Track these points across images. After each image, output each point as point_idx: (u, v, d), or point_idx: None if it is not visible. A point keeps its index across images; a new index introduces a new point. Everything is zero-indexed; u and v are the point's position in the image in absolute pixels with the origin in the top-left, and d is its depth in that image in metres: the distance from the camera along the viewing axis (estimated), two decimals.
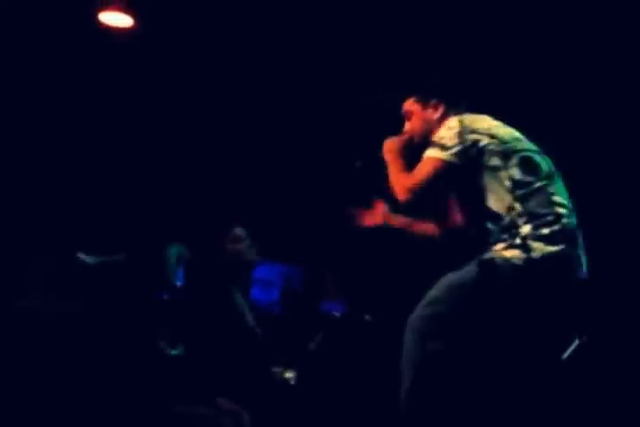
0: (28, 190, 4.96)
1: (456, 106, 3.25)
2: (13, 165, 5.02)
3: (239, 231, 4.21)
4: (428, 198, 3.13)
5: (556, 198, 2.96)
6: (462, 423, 2.80)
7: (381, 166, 3.24)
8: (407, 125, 3.32)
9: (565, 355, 2.87)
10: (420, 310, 2.90)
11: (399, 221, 3.42)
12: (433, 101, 3.26)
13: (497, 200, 2.98)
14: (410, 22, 4.85)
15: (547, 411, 2.94)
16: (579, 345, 2.87)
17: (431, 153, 3.05)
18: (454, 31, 4.83)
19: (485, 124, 3.08)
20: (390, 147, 3.27)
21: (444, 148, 3.02)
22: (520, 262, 2.82)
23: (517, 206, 2.92)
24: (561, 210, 2.93)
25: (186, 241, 4.55)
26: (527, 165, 3.00)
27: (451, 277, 2.96)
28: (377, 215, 3.44)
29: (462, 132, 3.02)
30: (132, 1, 4.85)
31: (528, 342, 2.88)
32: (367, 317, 4.31)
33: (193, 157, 5.59)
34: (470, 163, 3.01)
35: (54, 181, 5.12)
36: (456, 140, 3.00)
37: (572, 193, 3.10)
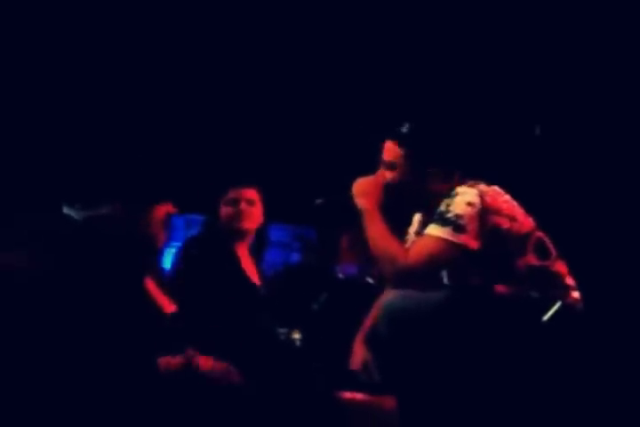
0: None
1: (453, 173, 2.73)
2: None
3: (234, 193, 3.82)
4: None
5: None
6: None
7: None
8: (389, 175, 2.71)
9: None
10: None
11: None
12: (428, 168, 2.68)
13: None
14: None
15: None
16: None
17: (441, 232, 2.53)
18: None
19: (507, 204, 2.64)
20: (364, 190, 2.70)
21: (459, 228, 2.51)
22: None
23: None
24: None
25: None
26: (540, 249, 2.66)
27: None
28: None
29: (484, 212, 2.54)
30: None
31: None
32: (369, 279, 4.15)
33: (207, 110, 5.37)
34: (484, 247, 2.54)
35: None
36: (476, 222, 2.52)
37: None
